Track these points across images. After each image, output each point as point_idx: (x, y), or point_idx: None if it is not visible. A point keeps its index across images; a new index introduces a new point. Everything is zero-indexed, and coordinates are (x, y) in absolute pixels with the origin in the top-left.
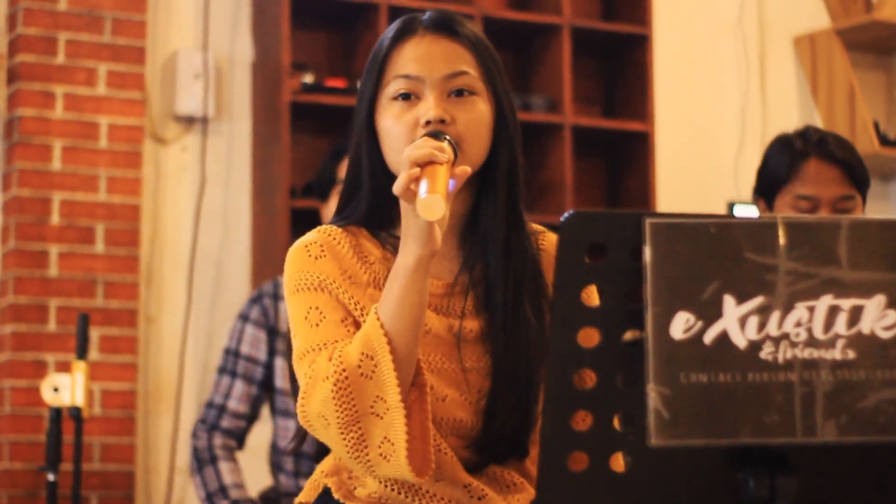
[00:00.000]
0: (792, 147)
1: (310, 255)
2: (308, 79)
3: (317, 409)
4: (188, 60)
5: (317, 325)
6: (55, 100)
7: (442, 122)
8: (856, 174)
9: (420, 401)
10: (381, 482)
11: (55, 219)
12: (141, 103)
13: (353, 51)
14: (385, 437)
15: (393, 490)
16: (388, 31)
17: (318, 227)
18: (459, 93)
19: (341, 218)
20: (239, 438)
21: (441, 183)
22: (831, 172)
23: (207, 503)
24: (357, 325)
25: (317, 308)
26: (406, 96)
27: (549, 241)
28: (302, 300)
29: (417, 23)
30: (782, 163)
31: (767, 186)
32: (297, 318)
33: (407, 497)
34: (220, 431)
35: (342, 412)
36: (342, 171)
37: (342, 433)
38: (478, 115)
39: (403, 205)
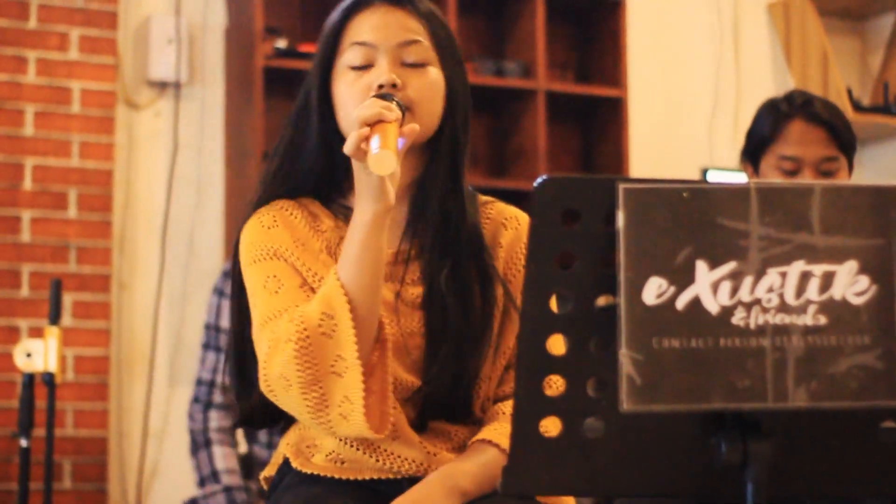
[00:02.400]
0: (777, 109)
1: (262, 226)
2: (281, 44)
3: (278, 371)
4: (161, 25)
5: (276, 292)
6: (27, 65)
7: (394, 86)
8: (841, 136)
9: (382, 357)
10: (340, 440)
11: (28, 184)
12: (113, 68)
13: (327, 15)
14: (345, 396)
15: (351, 447)
16: (344, 3)
17: (272, 202)
18: (413, 64)
19: (287, 185)
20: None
21: (391, 139)
22: (816, 133)
23: (200, 486)
24: (314, 292)
25: (274, 276)
26: (361, 67)
27: (496, 210)
28: (259, 270)
29: None
30: (767, 124)
31: (753, 149)
32: (256, 287)
33: (365, 454)
34: (214, 408)
35: (303, 371)
36: None
37: (304, 393)
38: (430, 81)
39: (355, 164)
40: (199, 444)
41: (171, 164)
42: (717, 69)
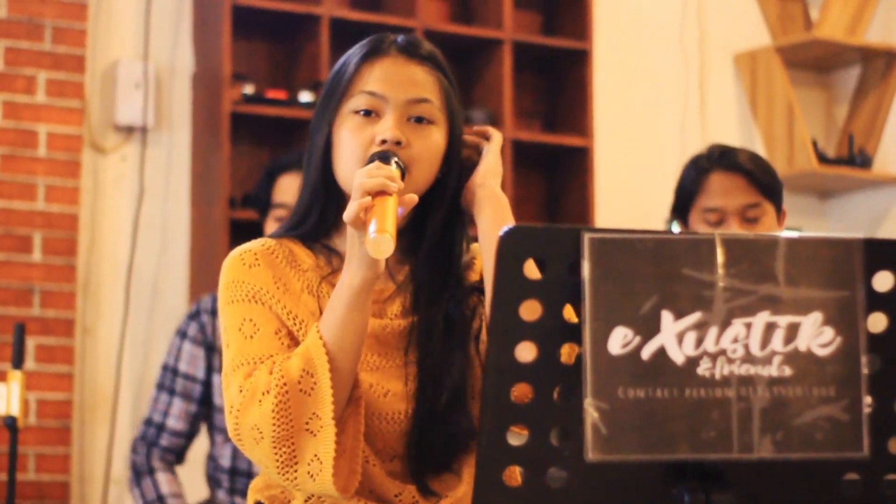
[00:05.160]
0: (697, 163)
1: (244, 264)
2: (248, 90)
3: (252, 422)
4: (128, 70)
5: (251, 336)
6: None
7: (397, 143)
8: (761, 181)
9: (355, 415)
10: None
11: None
12: (80, 112)
13: (294, 62)
14: (315, 455)
15: (326, 501)
16: (360, 48)
17: (257, 239)
18: (419, 119)
19: (287, 229)
20: (177, 455)
21: (390, 219)
22: (735, 181)
23: None
24: (291, 336)
25: (251, 320)
26: (367, 112)
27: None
28: (236, 311)
29: (389, 44)
30: (689, 179)
31: (680, 205)
32: (231, 328)
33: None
34: (158, 449)
35: (278, 427)
36: (278, 192)
37: (275, 448)
38: (432, 143)
39: (350, 230)
40: (143, 472)
41: (137, 208)
42: (683, 120)
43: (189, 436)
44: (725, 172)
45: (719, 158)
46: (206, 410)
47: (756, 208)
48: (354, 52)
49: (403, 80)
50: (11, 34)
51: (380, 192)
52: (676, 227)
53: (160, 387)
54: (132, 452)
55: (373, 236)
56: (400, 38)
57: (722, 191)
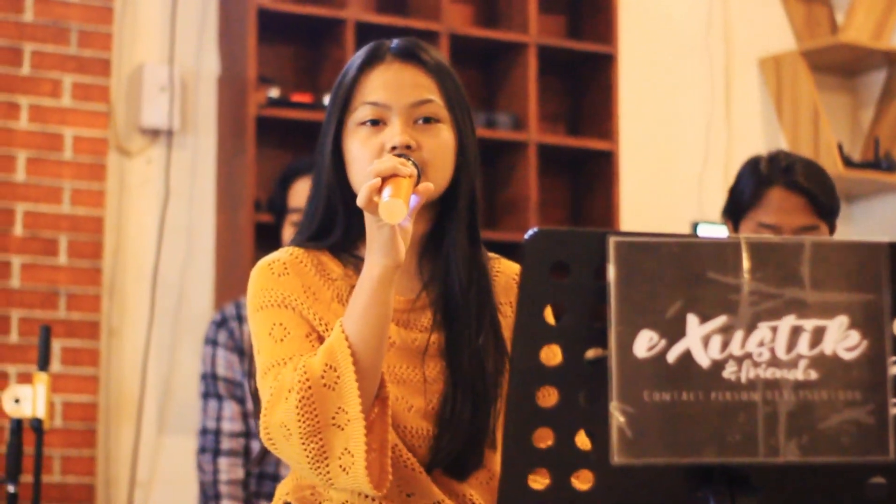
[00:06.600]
0: (759, 172)
1: (273, 273)
2: (274, 93)
3: (279, 420)
4: (154, 73)
5: (281, 340)
6: (20, 110)
7: (407, 147)
8: (821, 203)
9: (382, 414)
10: (352, 493)
11: (18, 230)
12: (106, 115)
13: (320, 66)
14: (345, 449)
15: (366, 499)
16: (356, 58)
17: (282, 248)
18: (426, 120)
19: (309, 239)
20: (245, 456)
21: (404, 191)
22: (795, 201)
23: None
24: (321, 341)
25: (281, 324)
26: (374, 122)
27: (503, 265)
28: (266, 317)
29: (385, 50)
30: (748, 187)
31: (734, 209)
32: (262, 334)
33: None
34: (223, 455)
35: (304, 422)
36: (293, 197)
37: (303, 444)
38: (442, 141)
39: (367, 217)
40: (209, 496)
41: (162, 211)
42: (708, 123)
43: (247, 435)
44: (787, 190)
45: (783, 173)
46: None
47: (812, 231)
48: (353, 62)
49: (403, 85)
50: (37, 38)
51: (392, 175)
52: (725, 228)
53: (205, 395)
54: (199, 471)
55: (386, 199)
56: (394, 42)
57: (781, 209)
